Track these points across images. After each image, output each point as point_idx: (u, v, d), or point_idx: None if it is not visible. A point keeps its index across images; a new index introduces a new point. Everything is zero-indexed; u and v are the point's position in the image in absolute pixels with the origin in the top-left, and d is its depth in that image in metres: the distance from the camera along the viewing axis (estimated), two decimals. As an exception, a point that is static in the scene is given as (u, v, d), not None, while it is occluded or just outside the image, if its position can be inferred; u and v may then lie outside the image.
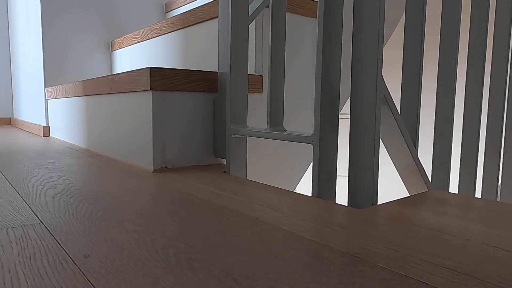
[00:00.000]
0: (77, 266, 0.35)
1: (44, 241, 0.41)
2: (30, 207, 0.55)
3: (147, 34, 1.44)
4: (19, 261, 0.36)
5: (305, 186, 1.27)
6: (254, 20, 0.93)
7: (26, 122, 1.92)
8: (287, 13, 0.98)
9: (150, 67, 0.78)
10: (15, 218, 0.49)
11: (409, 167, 0.67)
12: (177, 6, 1.87)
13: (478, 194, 1.05)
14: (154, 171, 0.81)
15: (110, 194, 0.62)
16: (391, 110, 0.61)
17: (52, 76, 1.67)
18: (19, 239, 0.42)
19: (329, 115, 0.61)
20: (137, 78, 0.83)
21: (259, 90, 0.96)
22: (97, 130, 1.11)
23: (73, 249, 0.39)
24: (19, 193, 0.63)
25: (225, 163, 0.91)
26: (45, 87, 1.65)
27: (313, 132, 0.61)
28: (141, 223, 0.48)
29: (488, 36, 0.88)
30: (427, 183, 0.67)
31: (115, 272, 0.34)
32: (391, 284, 0.32)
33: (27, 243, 0.41)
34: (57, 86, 1.45)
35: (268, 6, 0.94)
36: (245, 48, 0.82)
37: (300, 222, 0.48)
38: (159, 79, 0.79)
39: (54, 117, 1.57)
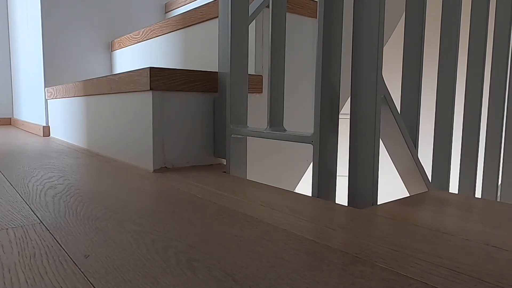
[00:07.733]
0: (77, 266, 0.35)
1: (44, 241, 0.41)
2: (30, 207, 0.55)
3: (147, 34, 1.44)
4: (19, 261, 0.36)
5: (305, 186, 1.27)
6: (254, 20, 0.93)
7: (26, 122, 1.92)
8: (287, 13, 0.99)
9: (150, 67, 0.78)
10: (15, 218, 0.49)
11: (409, 167, 0.67)
12: (177, 6, 1.87)
13: (478, 194, 1.05)
14: (154, 171, 0.81)
15: (110, 194, 0.62)
16: (391, 110, 0.61)
17: (52, 76, 1.67)
18: (19, 239, 0.42)
19: (329, 115, 0.61)
20: (137, 78, 0.83)
21: (259, 90, 0.96)
22: (97, 130, 1.11)
23: (73, 249, 0.39)
24: (19, 193, 0.63)
25: (225, 163, 0.91)
26: (45, 87, 1.65)
27: (313, 132, 0.61)
28: (141, 223, 0.48)
29: (488, 36, 0.88)
30: (427, 183, 0.67)
31: (115, 272, 0.34)
32: (391, 284, 0.32)
33: (27, 243, 0.41)
34: (57, 86, 1.45)
35: (268, 6, 0.94)
36: (245, 48, 0.82)
37: (300, 222, 0.48)
38: (159, 79, 0.79)
39: (54, 117, 1.57)
